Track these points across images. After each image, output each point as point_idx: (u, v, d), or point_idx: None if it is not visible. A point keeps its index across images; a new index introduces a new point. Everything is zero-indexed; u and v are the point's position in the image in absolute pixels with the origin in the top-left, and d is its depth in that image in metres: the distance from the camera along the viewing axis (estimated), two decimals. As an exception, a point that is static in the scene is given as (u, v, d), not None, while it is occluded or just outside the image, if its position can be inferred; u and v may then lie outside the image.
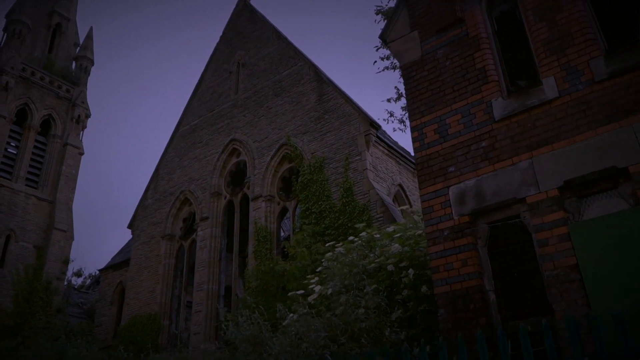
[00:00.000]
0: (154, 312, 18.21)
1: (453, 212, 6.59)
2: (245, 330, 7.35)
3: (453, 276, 6.26)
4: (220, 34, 22.20)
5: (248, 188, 17.82)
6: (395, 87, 9.33)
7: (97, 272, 30.55)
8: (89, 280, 31.04)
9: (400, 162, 16.96)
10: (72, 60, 34.97)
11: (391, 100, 9.51)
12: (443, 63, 7.54)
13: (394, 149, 16.43)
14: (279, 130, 17.50)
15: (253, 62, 19.95)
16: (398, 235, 8.79)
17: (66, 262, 26.07)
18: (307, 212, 15.19)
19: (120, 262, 21.72)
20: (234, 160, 18.97)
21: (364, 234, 9.62)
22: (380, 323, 6.98)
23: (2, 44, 32.54)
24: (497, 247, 6.27)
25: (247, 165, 18.13)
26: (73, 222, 30.34)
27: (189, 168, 20.04)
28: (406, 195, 16.61)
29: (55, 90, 32.03)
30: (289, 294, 9.67)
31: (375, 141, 15.39)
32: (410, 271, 8.05)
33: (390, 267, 8.38)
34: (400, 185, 16.52)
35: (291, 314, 9.29)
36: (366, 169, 14.74)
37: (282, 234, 17.67)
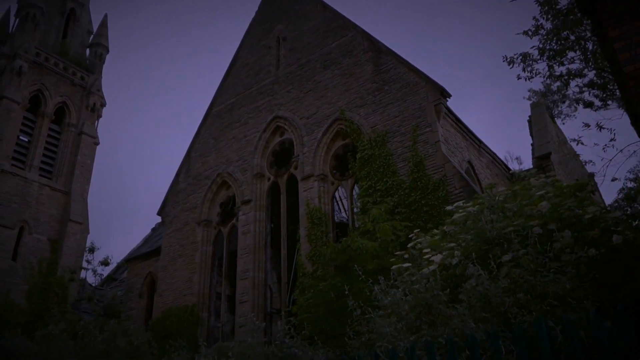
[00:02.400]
0: (190, 304, 16.67)
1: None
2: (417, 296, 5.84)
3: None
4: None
5: (296, 168, 16.36)
6: (534, 17, 7.91)
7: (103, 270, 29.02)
8: (100, 277, 29.36)
9: (467, 137, 15.54)
10: (86, 48, 33.51)
11: (528, 33, 8.12)
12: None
13: (461, 122, 15.01)
14: (330, 105, 16.07)
15: (295, 35, 18.53)
16: (541, 192, 7.34)
17: (91, 251, 24.41)
18: (370, 190, 13.74)
19: (148, 252, 20.17)
20: (278, 139, 17.51)
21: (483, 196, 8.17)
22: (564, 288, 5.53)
23: (14, 28, 31.11)
24: None
25: (294, 143, 16.67)
26: (88, 215, 28.80)
27: (226, 149, 18.56)
28: (475, 174, 15.19)
29: (70, 77, 30.54)
30: (394, 267, 8.18)
31: (445, 112, 13.96)
32: (567, 233, 6.61)
33: (536, 230, 6.92)
34: (469, 162, 15.10)
35: (393, 290, 7.86)
36: (438, 141, 13.32)
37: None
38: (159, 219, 21.40)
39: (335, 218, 15.75)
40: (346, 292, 8.43)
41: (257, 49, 19.69)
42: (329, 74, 16.60)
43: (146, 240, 24.64)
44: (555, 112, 22.00)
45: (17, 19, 31.22)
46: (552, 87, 22.14)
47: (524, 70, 8.71)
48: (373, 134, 14.50)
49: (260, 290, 15.51)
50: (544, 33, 8.00)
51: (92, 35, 34.26)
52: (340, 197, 18.27)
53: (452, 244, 7.96)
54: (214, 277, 17.29)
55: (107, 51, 33.65)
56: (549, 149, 16.93)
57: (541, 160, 16.72)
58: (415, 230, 9.61)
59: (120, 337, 10.22)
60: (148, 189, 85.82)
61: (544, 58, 8.18)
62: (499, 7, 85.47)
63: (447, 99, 13.97)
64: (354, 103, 15.51)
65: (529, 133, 19.74)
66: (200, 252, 17.48)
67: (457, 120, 14.85)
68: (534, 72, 8.58)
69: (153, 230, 28.51)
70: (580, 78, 8.05)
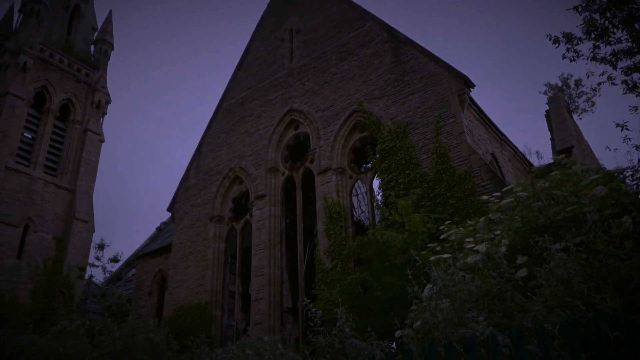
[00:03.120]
0: (203, 302, 16.21)
1: None
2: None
3: None
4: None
5: (312, 162, 15.92)
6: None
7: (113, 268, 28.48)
8: (110, 274, 28.84)
9: (490, 129, 15.11)
10: (90, 44, 33.07)
11: (579, 8, 7.66)
12: None
13: (484, 114, 14.58)
14: (348, 97, 15.64)
15: (309, 27, 18.10)
16: (594, 177, 6.90)
17: (100, 248, 23.91)
18: (392, 183, 13.30)
19: (158, 249, 19.72)
20: (292, 132, 17.07)
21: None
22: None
23: (18, 24, 30.68)
24: None
25: (310, 136, 16.23)
26: (94, 213, 28.34)
27: (239, 144, 18.11)
28: (499, 167, 14.76)
29: (75, 74, 30.11)
30: (432, 258, 7.73)
31: (468, 103, 13.54)
32: (626, 218, 6.17)
33: (591, 216, 6.48)
34: (493, 155, 14.67)
35: (429, 285, 7.44)
36: (463, 132, 12.88)
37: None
38: (162, 218, 21.03)
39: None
40: (376, 286, 8.01)
41: (269, 42, 19.27)
42: (346, 66, 16.18)
43: (153, 238, 24.14)
44: (572, 107, 21.63)
45: (21, 15, 30.81)
46: (569, 81, 21.81)
47: (568, 50, 8.29)
48: (393, 126, 14.07)
49: (276, 287, 15.06)
50: (594, 9, 7.58)
51: (96, 32, 33.83)
52: (355, 192, 17.83)
53: (496, 233, 7.53)
54: (227, 274, 16.84)
55: (112, 48, 33.24)
56: (571, 143, 16.51)
57: (562, 154, 16.30)
58: (447, 222, 9.18)
59: (138, 334, 9.78)
60: (148, 188, 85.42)
61: (590, 37, 7.77)
62: (498, 6, 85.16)
63: (471, 89, 13.55)
64: (372, 95, 15.08)
65: (544, 128, 19.34)
66: (212, 248, 17.03)
67: (480, 112, 14.43)
68: (578, 52, 8.17)
69: (158, 229, 27.99)
70: (629, 57, 7.63)
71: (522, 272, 5.34)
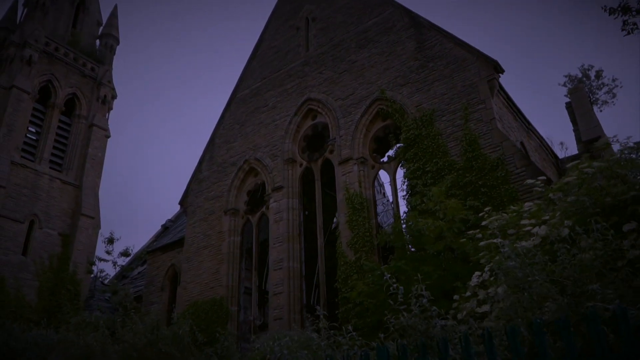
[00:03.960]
0: (218, 297, 15.69)
1: None
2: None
3: None
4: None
5: (331, 152, 15.42)
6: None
7: (123, 262, 27.94)
8: (116, 268, 28.29)
9: (517, 117, 14.62)
10: (95, 39, 32.56)
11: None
12: None
13: (512, 102, 14.09)
14: (369, 85, 15.14)
15: (326, 15, 17.61)
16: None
17: (110, 242, 23.38)
18: (419, 172, 12.80)
19: (170, 243, 19.19)
20: (310, 122, 16.57)
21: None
22: None
23: (23, 18, 30.17)
24: None
25: (329, 126, 15.73)
26: (100, 209, 27.81)
27: (253, 135, 17.61)
28: (528, 156, 14.25)
29: (80, 68, 29.58)
30: (482, 243, 7.23)
31: (497, 89, 13.04)
32: None
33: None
34: (522, 144, 14.18)
35: (477, 273, 6.97)
36: (493, 118, 12.38)
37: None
38: (166, 215, 20.49)
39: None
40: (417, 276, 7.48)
41: (283, 31, 18.78)
42: (366, 53, 15.69)
43: (159, 235, 23.63)
44: (592, 99, 21.14)
45: (26, 9, 30.33)
46: (589, 72, 21.32)
47: (624, 23, 7.82)
48: (418, 113, 13.57)
49: (296, 281, 14.54)
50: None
51: (101, 26, 33.34)
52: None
53: (549, 215, 7.03)
54: (242, 268, 16.33)
55: (118, 42, 32.74)
56: (597, 133, 16.02)
57: (589, 144, 15.82)
58: (487, 209, 8.68)
59: (163, 326, 9.28)
60: (150, 185, 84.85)
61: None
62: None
63: (500, 74, 13.06)
64: (395, 82, 14.59)
65: (562, 120, 18.85)
66: (227, 242, 16.52)
67: (509, 99, 13.94)
68: (635, 25, 7.71)
69: (164, 227, 27.40)
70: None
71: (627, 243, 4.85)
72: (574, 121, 18.16)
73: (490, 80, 12.81)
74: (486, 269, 6.44)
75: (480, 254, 7.50)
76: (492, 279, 6.60)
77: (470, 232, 8.66)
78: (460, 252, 8.95)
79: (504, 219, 8.09)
